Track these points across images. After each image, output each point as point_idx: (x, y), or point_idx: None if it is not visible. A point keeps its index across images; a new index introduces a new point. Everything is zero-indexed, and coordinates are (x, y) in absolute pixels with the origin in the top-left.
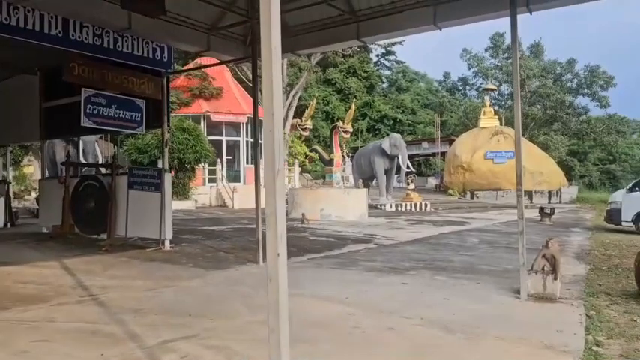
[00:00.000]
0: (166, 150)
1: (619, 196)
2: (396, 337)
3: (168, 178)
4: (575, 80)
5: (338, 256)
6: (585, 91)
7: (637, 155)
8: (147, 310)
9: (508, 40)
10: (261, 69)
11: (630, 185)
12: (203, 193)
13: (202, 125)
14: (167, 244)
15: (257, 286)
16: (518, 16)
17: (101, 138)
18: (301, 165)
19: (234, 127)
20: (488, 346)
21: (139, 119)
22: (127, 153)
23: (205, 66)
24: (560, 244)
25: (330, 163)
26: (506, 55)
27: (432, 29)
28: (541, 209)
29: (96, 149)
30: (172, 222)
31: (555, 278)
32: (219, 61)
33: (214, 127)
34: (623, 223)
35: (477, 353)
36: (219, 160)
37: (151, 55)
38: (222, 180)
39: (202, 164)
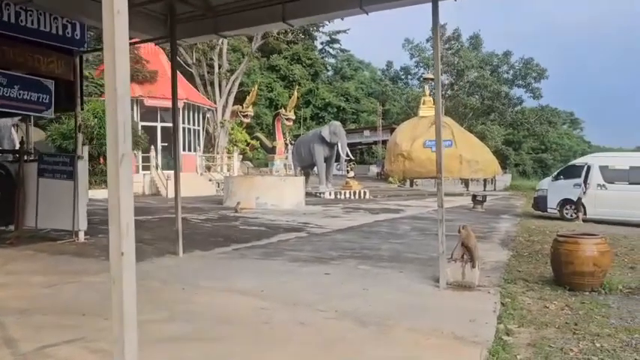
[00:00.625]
0: (80, 135)
1: (545, 183)
2: (305, 332)
3: (82, 165)
4: (511, 72)
5: (265, 246)
6: (520, 82)
7: (566, 145)
8: (36, 310)
9: (449, 31)
10: (103, 35)
11: (555, 174)
12: (136, 181)
13: (135, 110)
14: (81, 235)
15: (169, 281)
16: (447, 3)
17: (23, 121)
18: (242, 152)
19: (169, 112)
20: (399, 338)
21: (47, 101)
22: (51, 139)
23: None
24: (483, 230)
25: (273, 150)
26: (447, 45)
27: (358, 12)
28: (474, 197)
29: (12, 134)
30: (95, 213)
31: (473, 267)
32: (139, 40)
33: (149, 113)
34: (549, 210)
35: (385, 346)
36: (152, 147)
37: (60, 32)
38: (157, 168)
39: (133, 151)
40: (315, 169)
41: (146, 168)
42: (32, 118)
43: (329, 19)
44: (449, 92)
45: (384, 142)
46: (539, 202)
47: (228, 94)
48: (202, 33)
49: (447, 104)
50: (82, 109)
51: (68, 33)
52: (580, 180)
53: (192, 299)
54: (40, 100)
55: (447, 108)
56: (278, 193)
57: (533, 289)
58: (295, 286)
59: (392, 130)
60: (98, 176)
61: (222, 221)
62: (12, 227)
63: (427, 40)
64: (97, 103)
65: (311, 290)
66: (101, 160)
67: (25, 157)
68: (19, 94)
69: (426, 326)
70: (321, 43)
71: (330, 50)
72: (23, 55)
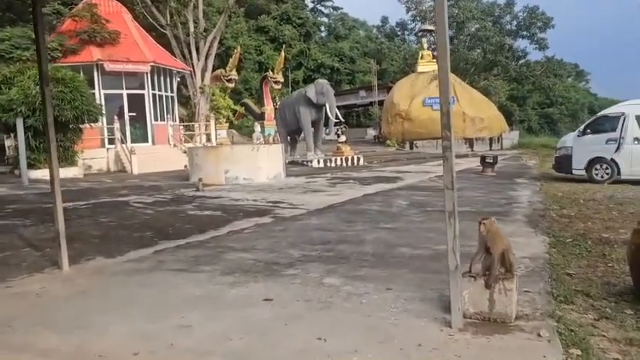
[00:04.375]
0: None
1: (569, 140)
2: None
3: None
4: (514, 22)
5: (203, 244)
6: (524, 33)
7: (573, 98)
8: None
9: None
10: None
11: (582, 127)
12: (100, 157)
13: (96, 76)
14: None
15: (17, 318)
16: None
17: None
18: (228, 120)
19: (137, 77)
20: None
21: None
22: None
23: None
24: (500, 202)
25: (262, 117)
26: None
27: None
28: (482, 158)
29: None
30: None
31: (507, 290)
32: None
33: (112, 79)
34: (574, 171)
35: None
36: (116, 118)
37: None
38: (123, 141)
39: (87, 123)
40: (303, 134)
41: (113, 141)
42: None
43: None
44: (449, 47)
45: (381, 102)
46: (562, 163)
47: (207, 57)
48: None
49: None
50: None
51: None
52: (614, 134)
53: None
54: None
55: None
56: (251, 164)
57: (605, 314)
58: (196, 341)
59: (389, 90)
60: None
61: (172, 205)
62: None
63: None
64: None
65: (222, 347)
66: None
67: None
68: None
69: None
70: (312, 2)
71: (323, 9)
72: None
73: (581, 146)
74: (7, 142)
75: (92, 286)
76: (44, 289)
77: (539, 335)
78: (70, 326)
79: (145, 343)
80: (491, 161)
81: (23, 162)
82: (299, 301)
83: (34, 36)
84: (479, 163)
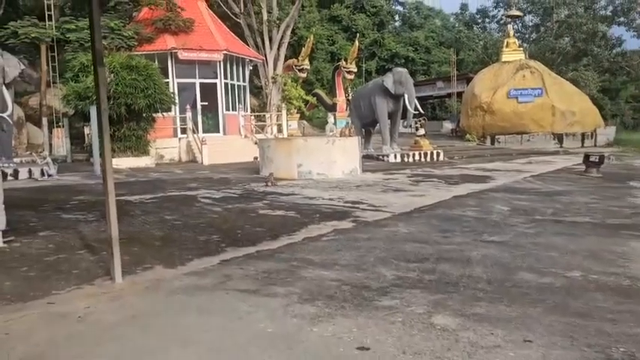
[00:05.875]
0: None
1: None
2: None
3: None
4: (610, 7)
5: (275, 254)
6: (621, 19)
7: None
8: None
9: None
10: None
11: None
12: (172, 146)
13: (170, 65)
14: None
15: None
16: None
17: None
18: (299, 111)
19: (210, 66)
20: None
21: None
22: (66, 100)
23: None
24: (625, 213)
25: (334, 108)
26: None
27: None
28: (586, 157)
29: (3, 93)
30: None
31: None
32: None
33: (185, 68)
34: None
35: None
36: (188, 107)
37: None
38: (195, 131)
39: (159, 112)
40: (378, 126)
41: (185, 131)
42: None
43: None
44: (534, 35)
45: (459, 94)
46: None
47: (280, 46)
48: None
49: (530, 48)
50: None
51: None
52: None
53: None
54: None
55: (530, 53)
56: (326, 158)
57: None
58: None
59: (468, 81)
60: (122, 142)
61: (241, 201)
62: None
63: None
64: (117, 56)
65: None
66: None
67: None
68: None
69: None
70: None
71: None
72: None
73: None
74: (86, 130)
75: (145, 308)
76: (89, 309)
77: None
78: None
79: None
80: (597, 160)
81: (96, 151)
82: (406, 353)
83: (112, 25)
84: (576, 162)
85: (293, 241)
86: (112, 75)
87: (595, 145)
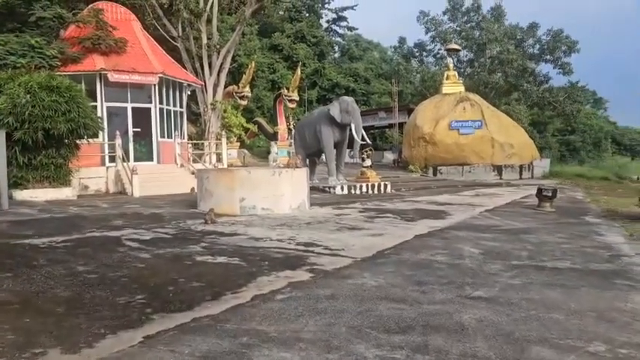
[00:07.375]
0: None
1: None
2: None
3: None
4: (537, 46)
5: (217, 325)
6: (548, 57)
7: (595, 126)
8: None
9: (467, 2)
10: None
11: None
12: (98, 176)
13: (99, 87)
14: None
15: None
16: None
17: None
18: (239, 139)
19: (144, 90)
20: None
21: None
22: None
23: None
24: (603, 256)
25: (275, 137)
26: (465, 18)
27: None
28: (539, 191)
29: None
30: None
31: None
32: None
33: (117, 91)
34: None
35: None
36: (118, 133)
37: None
38: (125, 159)
39: (85, 138)
40: (323, 156)
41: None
42: None
43: None
44: (468, 70)
45: (400, 125)
46: None
47: (220, 71)
48: None
49: (466, 82)
50: None
51: None
52: None
53: None
54: None
55: (466, 87)
56: (272, 192)
57: None
58: None
59: (409, 112)
60: (39, 171)
61: (175, 244)
62: None
63: (444, 13)
64: (35, 76)
65: None
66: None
67: None
68: None
69: None
70: (327, 22)
71: (337, 29)
72: None
73: None
74: None
75: None
76: None
77: None
78: None
79: None
80: (550, 195)
81: (4, 182)
82: None
83: (32, 42)
84: (523, 195)
85: (240, 302)
86: (28, 96)
87: (532, 177)
